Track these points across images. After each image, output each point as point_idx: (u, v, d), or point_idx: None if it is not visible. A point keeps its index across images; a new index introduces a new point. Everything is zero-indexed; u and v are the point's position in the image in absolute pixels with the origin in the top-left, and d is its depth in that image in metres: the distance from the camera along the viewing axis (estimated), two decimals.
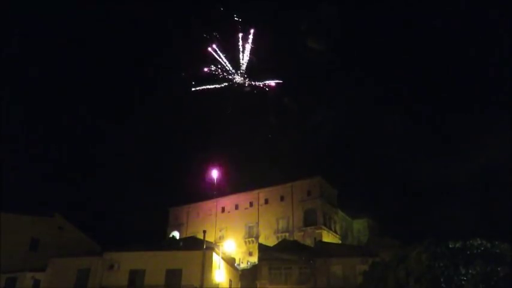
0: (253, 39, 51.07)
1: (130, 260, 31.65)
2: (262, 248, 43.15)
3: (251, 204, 69.16)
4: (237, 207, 70.84)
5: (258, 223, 66.39)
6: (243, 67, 51.60)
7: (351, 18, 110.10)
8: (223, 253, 36.08)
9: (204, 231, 35.93)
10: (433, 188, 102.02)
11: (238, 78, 51.34)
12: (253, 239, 64.19)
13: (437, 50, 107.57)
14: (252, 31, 51.32)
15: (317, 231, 59.34)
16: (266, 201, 67.80)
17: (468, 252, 23.28)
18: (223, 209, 72.33)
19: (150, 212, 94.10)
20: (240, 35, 50.93)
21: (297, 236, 59.51)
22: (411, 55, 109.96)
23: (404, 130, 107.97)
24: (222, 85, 51.87)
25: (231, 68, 51.29)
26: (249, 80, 51.76)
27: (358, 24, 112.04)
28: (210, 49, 50.55)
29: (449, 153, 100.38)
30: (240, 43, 51.09)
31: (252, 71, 51.83)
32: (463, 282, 21.78)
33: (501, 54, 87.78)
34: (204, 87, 51.91)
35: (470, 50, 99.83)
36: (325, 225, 60.65)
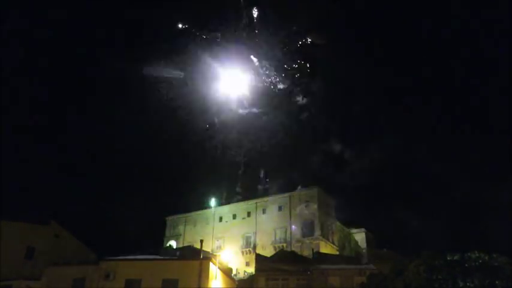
0: None
1: (126, 269, 31.43)
2: (259, 259, 42.83)
3: (249, 214, 68.92)
4: (234, 217, 70.58)
5: (255, 233, 66.12)
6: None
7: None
8: (220, 263, 35.88)
9: (201, 241, 35.84)
10: (432, 201, 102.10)
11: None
12: (251, 249, 63.82)
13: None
14: None
15: (315, 242, 59.10)
16: (264, 211, 67.61)
17: (466, 265, 23.20)
18: (220, 219, 72.12)
19: (147, 221, 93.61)
20: None
21: (295, 247, 59.18)
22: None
23: (403, 140, 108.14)
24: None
25: None
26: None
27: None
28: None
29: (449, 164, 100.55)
30: None
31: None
32: None
33: None
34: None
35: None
36: (323, 236, 60.43)
